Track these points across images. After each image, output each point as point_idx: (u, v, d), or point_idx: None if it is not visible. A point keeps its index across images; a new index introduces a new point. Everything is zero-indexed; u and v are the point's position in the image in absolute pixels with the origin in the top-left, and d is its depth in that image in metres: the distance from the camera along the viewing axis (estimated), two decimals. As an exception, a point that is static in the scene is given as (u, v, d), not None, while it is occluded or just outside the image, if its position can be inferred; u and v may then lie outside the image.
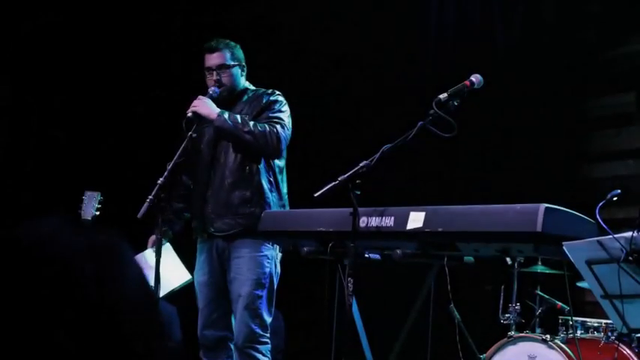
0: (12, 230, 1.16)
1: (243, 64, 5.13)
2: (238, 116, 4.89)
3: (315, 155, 5.31)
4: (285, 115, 4.98)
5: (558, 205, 3.49)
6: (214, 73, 5.03)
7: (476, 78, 4.19)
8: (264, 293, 4.84)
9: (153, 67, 7.14)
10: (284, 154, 5.02)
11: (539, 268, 5.41)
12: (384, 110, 6.89)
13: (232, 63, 5.06)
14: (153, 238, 5.13)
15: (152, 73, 7.13)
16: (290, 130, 4.97)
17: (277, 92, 5.09)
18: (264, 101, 5.01)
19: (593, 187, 6.42)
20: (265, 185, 4.92)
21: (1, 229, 1.16)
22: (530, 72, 6.66)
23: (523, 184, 6.36)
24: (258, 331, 4.82)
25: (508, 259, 5.16)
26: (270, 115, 4.95)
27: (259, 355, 4.81)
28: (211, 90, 4.99)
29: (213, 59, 5.04)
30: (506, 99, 6.68)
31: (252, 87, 5.18)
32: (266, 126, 4.86)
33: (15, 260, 1.11)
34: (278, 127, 4.87)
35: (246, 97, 5.09)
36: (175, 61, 7.25)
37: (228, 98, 5.06)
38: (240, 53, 5.13)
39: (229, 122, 4.85)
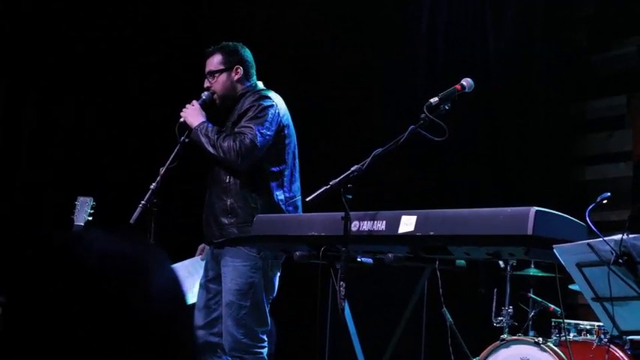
0: (48, 234, 1.21)
1: (240, 66, 4.98)
2: (211, 129, 4.80)
3: (308, 160, 5.31)
4: (259, 122, 4.78)
5: (550, 208, 3.51)
6: (205, 79, 5.04)
7: (467, 82, 4.22)
8: (248, 303, 4.75)
9: (147, 71, 7.15)
10: (288, 159, 4.91)
11: (532, 271, 5.42)
12: (376, 114, 6.91)
13: (221, 68, 4.97)
14: (202, 246, 5.16)
15: (146, 76, 7.13)
16: (262, 136, 4.75)
17: (263, 94, 4.92)
18: (245, 105, 4.87)
19: (585, 190, 6.44)
20: (248, 194, 4.81)
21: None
22: (521, 75, 6.68)
23: (515, 187, 6.38)
24: (245, 341, 4.75)
25: (501, 263, 5.18)
26: (243, 123, 4.79)
27: None
28: (204, 95, 4.99)
29: (206, 65, 5.01)
30: (498, 102, 6.70)
31: (258, 88, 5.02)
32: (230, 140, 4.72)
33: (45, 261, 1.17)
34: (239, 139, 4.70)
35: (241, 101, 4.96)
36: (170, 65, 7.26)
37: (225, 104, 5.01)
38: (237, 55, 4.99)
39: (200, 135, 4.78)
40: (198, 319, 4.91)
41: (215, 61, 4.99)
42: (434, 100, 4.06)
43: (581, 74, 6.78)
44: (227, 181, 4.84)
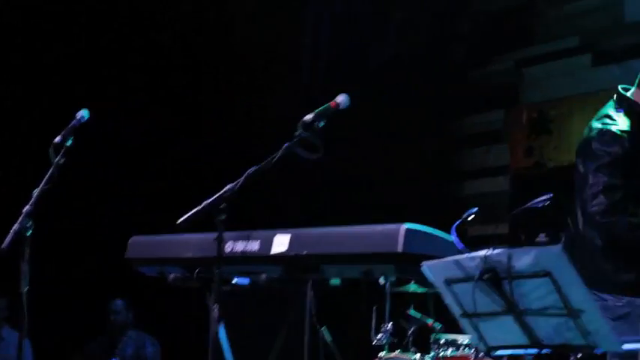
0: None
1: None
2: None
3: (183, 180, 5.25)
4: None
5: (429, 224, 3.51)
6: None
7: (341, 98, 4.21)
8: None
9: (25, 90, 6.99)
10: None
11: (412, 287, 5.43)
12: (253, 131, 6.87)
13: None
14: None
15: (23, 96, 6.97)
16: None
17: None
18: None
19: (464, 205, 6.50)
20: None
21: None
22: (401, 91, 6.73)
23: (394, 202, 6.41)
24: None
25: (381, 279, 5.17)
26: None
27: None
28: None
29: None
30: (378, 118, 6.73)
31: None
32: None
33: None
34: None
35: None
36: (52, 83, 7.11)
37: None
38: None
39: None
40: None
41: None
42: (308, 117, 4.03)
43: (459, 90, 6.88)
44: None
